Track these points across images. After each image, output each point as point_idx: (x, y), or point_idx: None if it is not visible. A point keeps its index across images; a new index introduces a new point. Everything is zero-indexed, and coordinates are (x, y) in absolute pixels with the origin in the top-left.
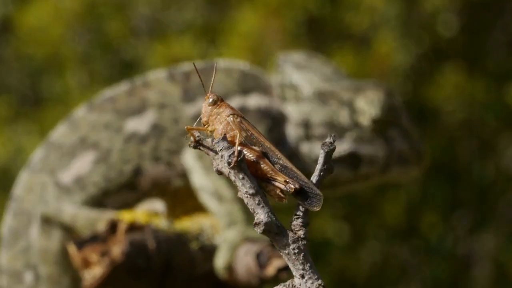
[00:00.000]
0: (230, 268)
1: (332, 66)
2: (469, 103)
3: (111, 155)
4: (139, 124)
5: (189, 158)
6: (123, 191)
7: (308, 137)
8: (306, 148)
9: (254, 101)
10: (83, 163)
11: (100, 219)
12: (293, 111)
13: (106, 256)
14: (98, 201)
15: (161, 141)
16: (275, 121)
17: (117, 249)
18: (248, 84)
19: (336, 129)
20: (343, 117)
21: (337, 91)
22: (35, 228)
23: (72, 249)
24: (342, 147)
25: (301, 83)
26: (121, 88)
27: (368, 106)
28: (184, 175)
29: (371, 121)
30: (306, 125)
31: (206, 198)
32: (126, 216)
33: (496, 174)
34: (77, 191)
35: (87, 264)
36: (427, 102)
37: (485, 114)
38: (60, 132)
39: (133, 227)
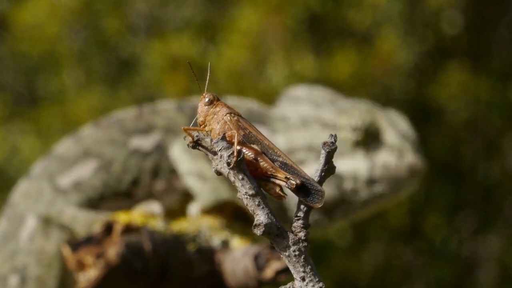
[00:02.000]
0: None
1: (330, 92)
2: (474, 102)
3: (113, 165)
4: (144, 142)
5: (178, 150)
6: (119, 198)
7: None
8: None
9: None
10: (84, 170)
11: (97, 220)
12: (281, 141)
13: (101, 258)
14: (93, 204)
15: (162, 159)
16: None
17: (113, 251)
18: (252, 120)
19: (317, 152)
20: (325, 138)
21: (321, 115)
22: (25, 231)
23: (66, 251)
24: None
25: (291, 114)
26: (129, 113)
27: (347, 120)
28: (179, 192)
29: (350, 132)
30: (291, 152)
31: (191, 180)
32: (122, 218)
33: (501, 175)
34: (73, 193)
35: (82, 266)
36: (430, 101)
37: (490, 113)
38: (65, 147)
39: (129, 229)
